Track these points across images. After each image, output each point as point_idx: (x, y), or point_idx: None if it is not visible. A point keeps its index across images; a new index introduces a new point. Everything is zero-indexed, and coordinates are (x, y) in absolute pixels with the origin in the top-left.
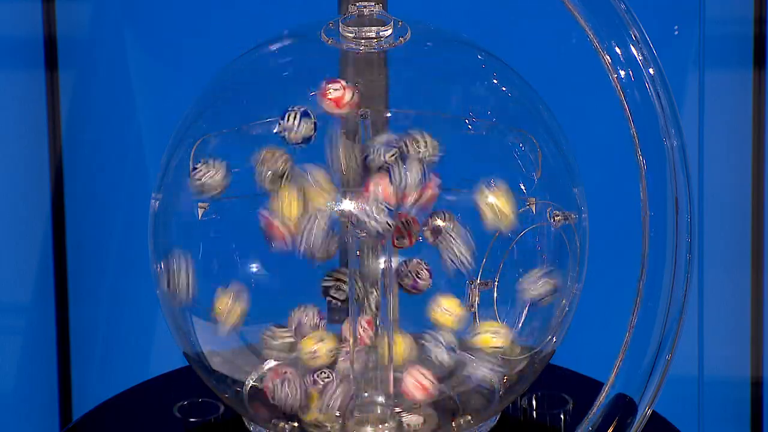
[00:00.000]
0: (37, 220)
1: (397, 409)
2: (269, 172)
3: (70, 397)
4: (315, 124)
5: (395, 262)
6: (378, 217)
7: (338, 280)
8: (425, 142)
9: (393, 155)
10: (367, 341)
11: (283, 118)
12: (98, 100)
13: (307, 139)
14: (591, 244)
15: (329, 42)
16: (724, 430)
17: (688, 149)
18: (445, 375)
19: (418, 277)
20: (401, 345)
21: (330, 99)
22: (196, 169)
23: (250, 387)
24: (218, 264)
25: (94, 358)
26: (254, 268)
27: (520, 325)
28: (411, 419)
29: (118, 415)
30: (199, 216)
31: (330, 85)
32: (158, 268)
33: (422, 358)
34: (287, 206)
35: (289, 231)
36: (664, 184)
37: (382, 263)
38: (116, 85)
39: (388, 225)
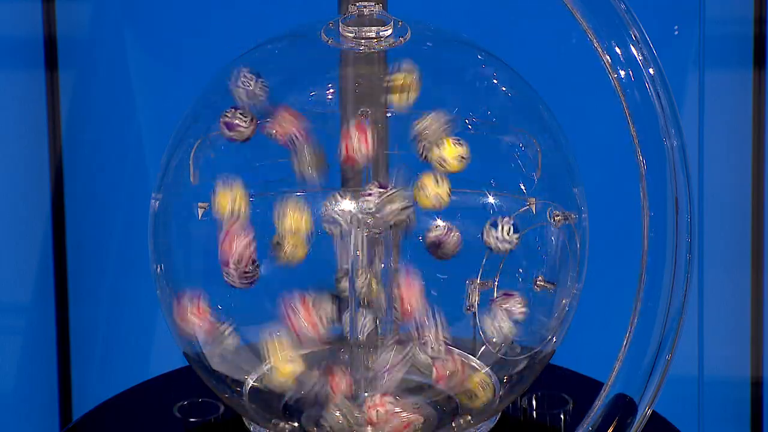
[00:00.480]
0: (37, 220)
1: (397, 409)
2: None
3: (70, 397)
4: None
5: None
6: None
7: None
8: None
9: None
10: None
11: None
12: (98, 100)
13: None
14: (591, 244)
15: (329, 42)
16: (724, 430)
17: (688, 149)
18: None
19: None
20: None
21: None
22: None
23: (250, 387)
24: (219, 264)
25: (94, 358)
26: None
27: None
28: (411, 418)
29: (118, 415)
30: (199, 216)
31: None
32: (157, 269)
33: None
34: None
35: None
36: (664, 184)
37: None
38: (116, 85)
39: None
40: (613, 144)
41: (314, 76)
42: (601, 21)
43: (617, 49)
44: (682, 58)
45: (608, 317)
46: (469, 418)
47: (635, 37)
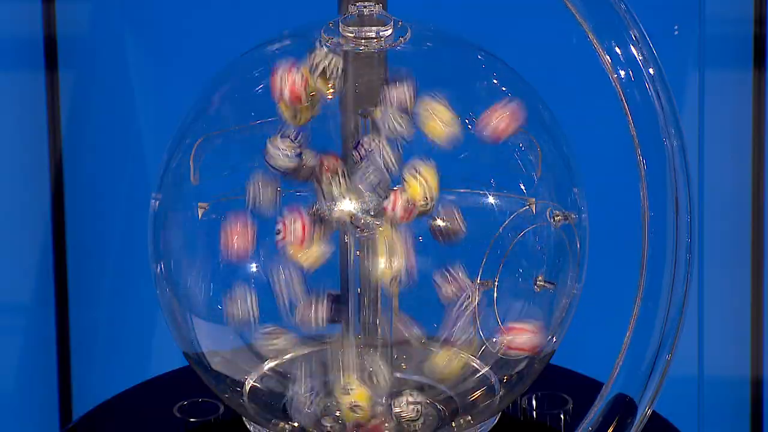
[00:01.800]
0: (37, 220)
1: (397, 410)
2: None
3: (70, 397)
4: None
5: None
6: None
7: None
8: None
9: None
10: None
11: None
12: (98, 100)
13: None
14: (591, 244)
15: (329, 42)
16: (724, 430)
17: (688, 149)
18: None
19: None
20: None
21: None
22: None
23: (250, 387)
24: (219, 264)
25: (94, 358)
26: (254, 267)
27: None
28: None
29: (118, 415)
30: (199, 216)
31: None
32: (157, 269)
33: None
34: None
35: None
36: (664, 184)
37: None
38: (116, 85)
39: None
40: (613, 144)
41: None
42: (601, 21)
43: (617, 49)
44: (682, 58)
45: (608, 317)
46: (469, 418)
47: (635, 37)
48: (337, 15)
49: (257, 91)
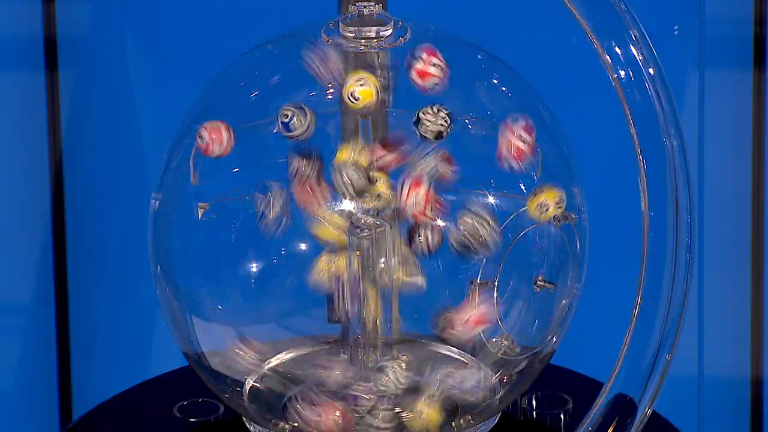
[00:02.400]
0: (37, 220)
1: (397, 409)
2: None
3: (70, 397)
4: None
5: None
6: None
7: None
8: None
9: None
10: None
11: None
12: (98, 100)
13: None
14: (591, 244)
15: (329, 42)
16: (724, 430)
17: (688, 149)
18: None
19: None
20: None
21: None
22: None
23: (250, 387)
24: (219, 264)
25: (94, 358)
26: (254, 267)
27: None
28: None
29: (118, 415)
30: (199, 216)
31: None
32: (157, 269)
33: None
34: None
35: None
36: (664, 184)
37: (382, 263)
38: (116, 85)
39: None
40: (613, 144)
41: (314, 76)
42: (601, 21)
43: (617, 49)
44: (682, 58)
45: (608, 317)
46: (469, 418)
47: (635, 37)
48: (337, 15)
49: (257, 91)
